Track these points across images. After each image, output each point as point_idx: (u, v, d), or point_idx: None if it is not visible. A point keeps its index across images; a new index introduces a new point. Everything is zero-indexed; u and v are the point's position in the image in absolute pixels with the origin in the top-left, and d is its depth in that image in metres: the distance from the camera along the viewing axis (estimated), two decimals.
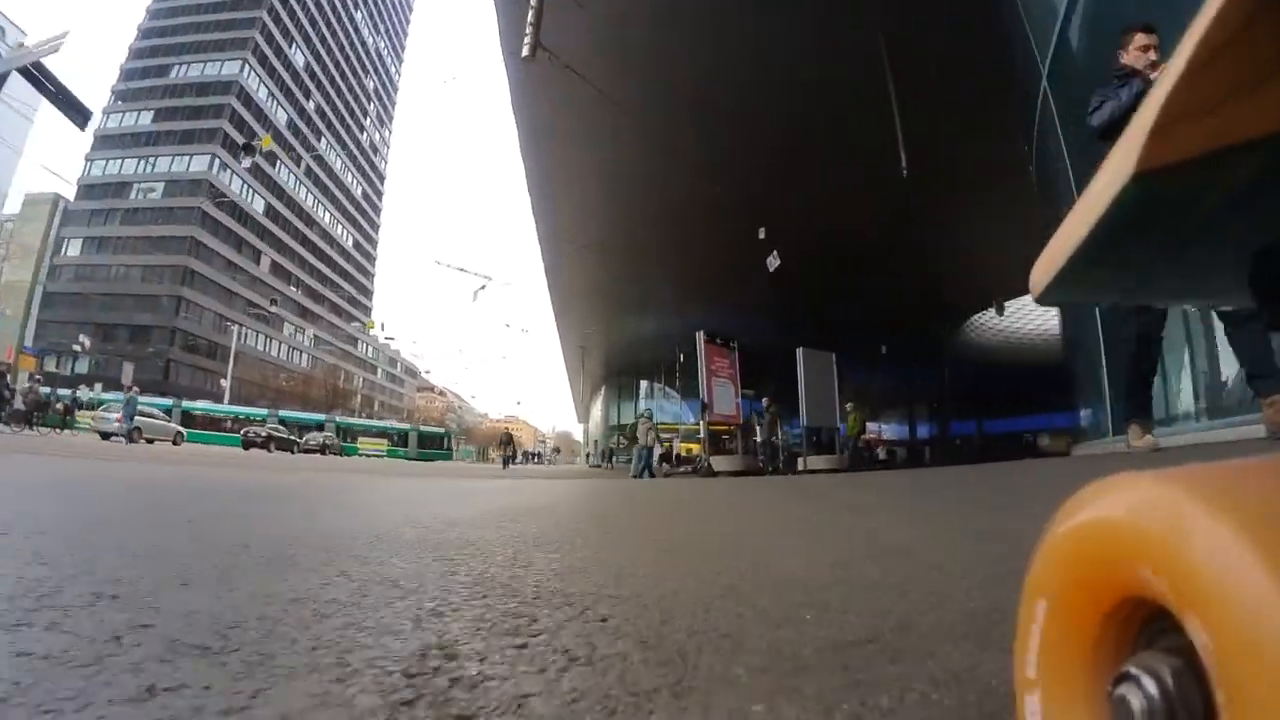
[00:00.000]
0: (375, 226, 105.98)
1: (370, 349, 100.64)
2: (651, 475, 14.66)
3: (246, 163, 61.11)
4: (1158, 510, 0.31)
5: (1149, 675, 0.32)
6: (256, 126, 70.43)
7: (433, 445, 49.53)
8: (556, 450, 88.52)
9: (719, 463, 13.83)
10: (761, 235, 16.91)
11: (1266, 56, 0.28)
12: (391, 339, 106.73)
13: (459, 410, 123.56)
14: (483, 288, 30.79)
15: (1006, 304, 25.38)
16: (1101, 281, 0.56)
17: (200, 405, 41.59)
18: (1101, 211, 0.41)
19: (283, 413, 43.52)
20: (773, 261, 16.93)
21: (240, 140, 68.57)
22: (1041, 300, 0.62)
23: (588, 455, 38.64)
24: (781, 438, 15.97)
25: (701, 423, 14.85)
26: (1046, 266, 0.53)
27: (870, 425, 52.69)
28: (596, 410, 52.47)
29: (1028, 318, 36.38)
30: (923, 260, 23.60)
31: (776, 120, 16.84)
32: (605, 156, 19.13)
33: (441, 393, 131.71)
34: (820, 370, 16.61)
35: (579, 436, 68.84)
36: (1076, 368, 11.71)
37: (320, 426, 42.10)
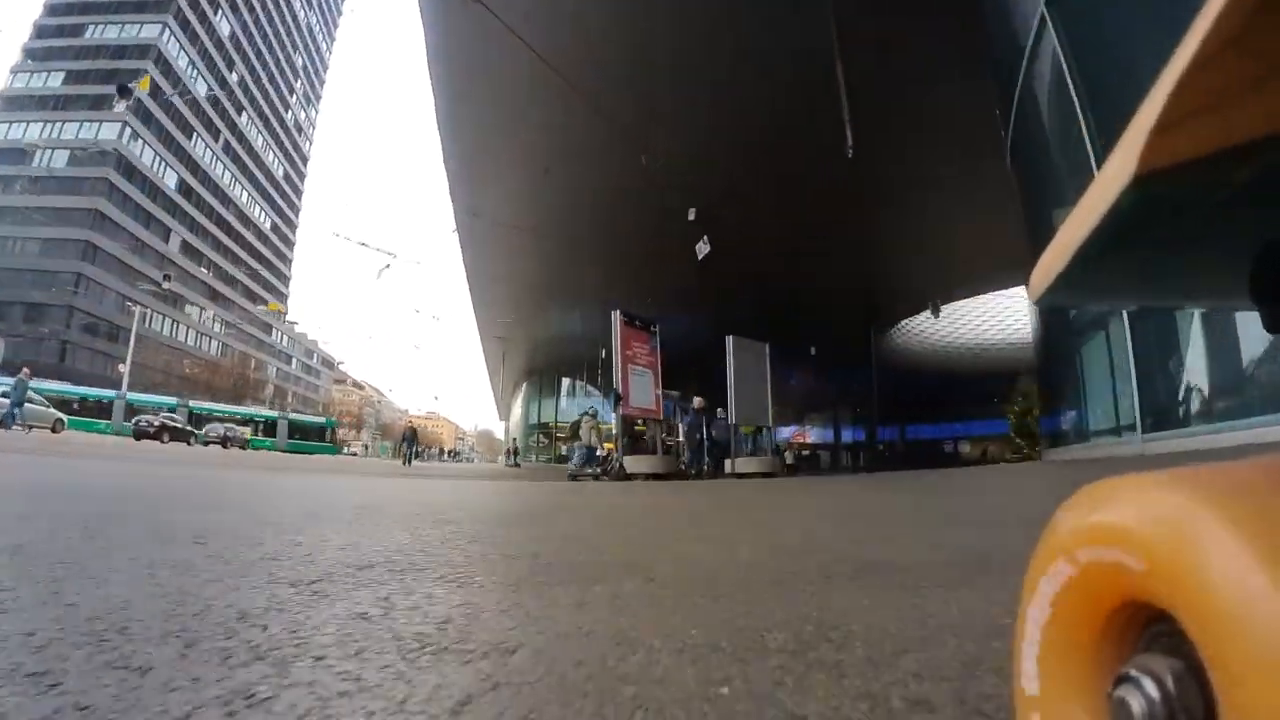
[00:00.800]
0: (296, 210, 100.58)
1: (285, 338, 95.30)
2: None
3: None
4: (1156, 511, 0.32)
5: (1148, 677, 0.32)
6: (173, 94, 65.67)
7: (308, 436, 43.99)
8: (473, 449, 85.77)
9: (634, 464, 12.13)
10: (691, 216, 15.54)
11: (1268, 56, 0.28)
12: (295, 322, 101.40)
13: (378, 405, 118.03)
14: (387, 266, 28.45)
15: (943, 307, 24.93)
16: (1101, 285, 0.56)
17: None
18: (1101, 213, 0.40)
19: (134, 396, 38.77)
20: (702, 248, 15.55)
21: (154, 109, 63.78)
22: (1040, 303, 0.59)
23: (507, 454, 36.35)
24: (711, 436, 14.54)
25: (614, 416, 13.08)
26: (1046, 269, 0.52)
27: (794, 428, 52.97)
28: (517, 408, 50.18)
29: (961, 323, 36.59)
30: (859, 260, 23.00)
31: (712, 97, 15.57)
32: (530, 132, 17.49)
33: (360, 386, 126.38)
34: (752, 362, 15.27)
35: (501, 435, 66.47)
36: (1051, 375, 11.81)
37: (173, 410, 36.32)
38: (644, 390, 13.44)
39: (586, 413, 14.26)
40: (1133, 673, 0.33)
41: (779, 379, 16.30)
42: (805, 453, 50.24)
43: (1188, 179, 0.34)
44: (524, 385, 46.37)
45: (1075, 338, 10.03)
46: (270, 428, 42.03)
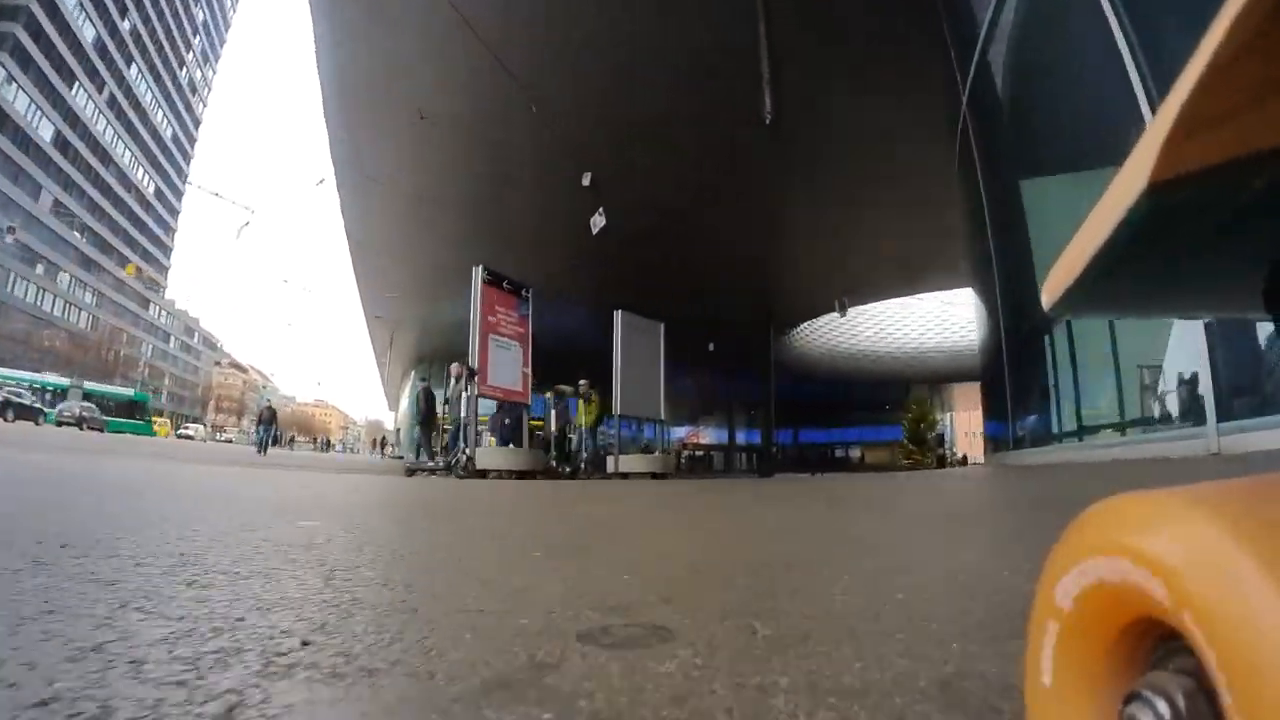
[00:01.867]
0: (183, 176, 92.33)
1: (165, 314, 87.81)
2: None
3: None
4: (1173, 530, 0.32)
5: (1159, 695, 0.32)
6: (57, 38, 58.95)
7: (112, 412, 36.31)
8: (359, 440, 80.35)
9: (488, 458, 9.98)
10: (586, 182, 13.96)
11: None
12: (173, 300, 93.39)
13: (263, 389, 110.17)
14: (246, 224, 25.47)
15: (850, 307, 24.46)
16: (1115, 294, 0.56)
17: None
18: (1115, 223, 0.40)
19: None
20: (598, 221, 13.98)
21: (34, 52, 57.18)
22: (1055, 312, 0.58)
23: (374, 444, 32.50)
24: (585, 432, 12.91)
25: (464, 396, 11.04)
26: (1060, 279, 0.53)
27: (689, 427, 52.45)
28: (405, 398, 47.11)
29: (862, 328, 36.80)
30: (762, 254, 22.00)
31: (615, 63, 14.13)
32: (416, 83, 15.51)
33: (242, 369, 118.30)
34: (644, 343, 13.77)
35: (391, 426, 62.63)
36: (999, 381, 11.92)
37: None
38: (509, 367, 11.57)
39: (424, 379, 12.44)
40: (1144, 691, 0.33)
41: (674, 374, 14.93)
42: (699, 453, 49.92)
43: (1202, 188, 0.34)
44: (413, 374, 43.56)
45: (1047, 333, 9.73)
46: (53, 397, 34.17)
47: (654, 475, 12.26)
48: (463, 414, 10.70)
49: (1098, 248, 0.43)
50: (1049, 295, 0.54)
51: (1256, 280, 0.45)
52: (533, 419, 12.65)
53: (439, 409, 12.59)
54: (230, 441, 55.62)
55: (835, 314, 24.45)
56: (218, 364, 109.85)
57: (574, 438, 13.08)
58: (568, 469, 12.30)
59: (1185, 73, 0.30)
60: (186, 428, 61.93)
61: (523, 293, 12.40)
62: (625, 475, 12.31)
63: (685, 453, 49.33)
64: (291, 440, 68.92)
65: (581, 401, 12.98)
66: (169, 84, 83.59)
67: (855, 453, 56.59)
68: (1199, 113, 0.30)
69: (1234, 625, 0.27)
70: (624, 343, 13.06)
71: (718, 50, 12.89)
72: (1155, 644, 0.36)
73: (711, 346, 27.23)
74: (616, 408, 13.04)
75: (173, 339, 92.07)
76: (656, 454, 14.12)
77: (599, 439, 13.69)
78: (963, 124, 12.56)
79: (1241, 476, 0.34)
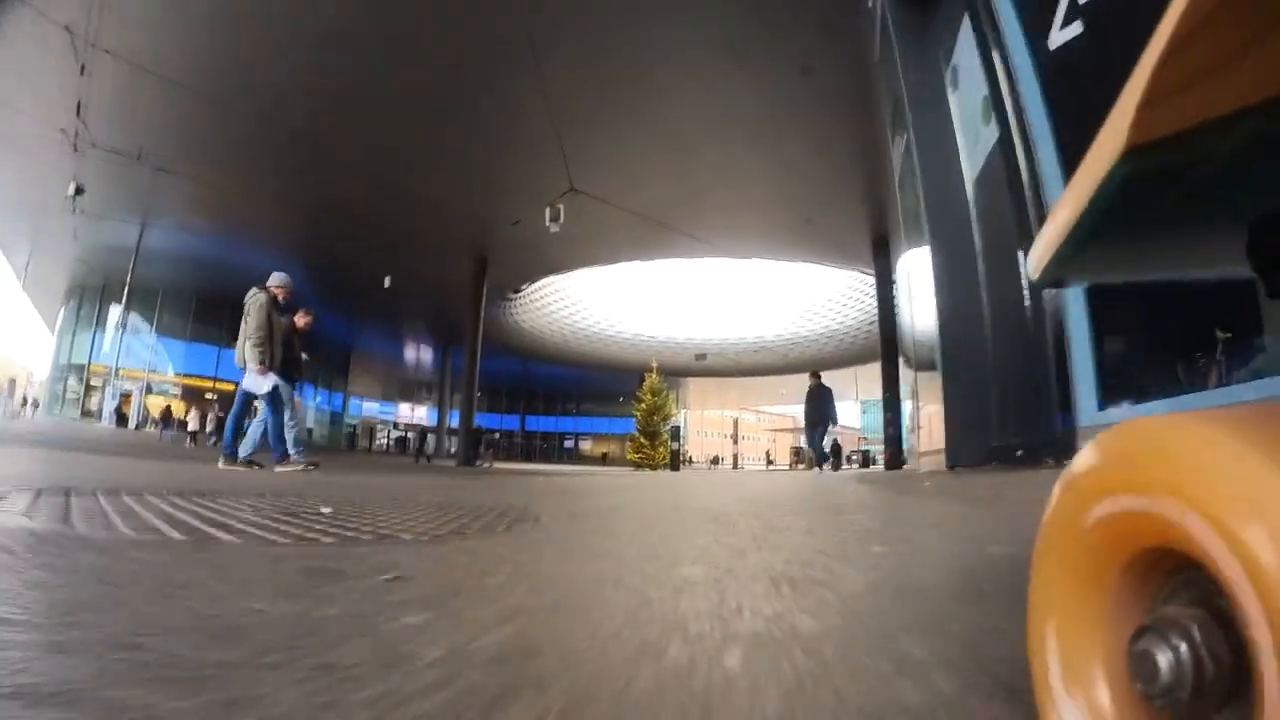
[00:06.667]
0: None
1: None
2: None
3: None
4: (1196, 452, 0.30)
5: (1173, 628, 0.31)
6: None
7: None
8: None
9: None
10: None
11: (1251, 27, 0.29)
12: None
13: None
14: None
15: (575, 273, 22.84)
16: (1099, 259, 0.55)
17: None
18: (1095, 188, 0.40)
19: None
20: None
21: None
22: (1041, 282, 0.58)
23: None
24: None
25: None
26: (1045, 247, 0.51)
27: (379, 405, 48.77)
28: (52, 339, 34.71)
29: (593, 311, 35.77)
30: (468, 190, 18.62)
31: None
32: None
33: None
34: None
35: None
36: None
37: None
38: None
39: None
40: (1155, 624, 0.32)
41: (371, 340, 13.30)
42: (407, 434, 48.34)
43: (1179, 151, 0.34)
44: (60, 311, 33.38)
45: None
46: None
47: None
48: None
49: (1079, 214, 0.43)
50: (1035, 264, 0.53)
51: (1236, 239, 0.46)
52: None
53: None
54: None
55: (556, 282, 20.73)
56: None
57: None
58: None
59: (1153, 42, 0.31)
60: None
61: None
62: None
63: (397, 434, 47.16)
64: None
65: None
66: None
67: (586, 445, 56.29)
68: (1168, 80, 0.31)
69: (1262, 536, 0.26)
70: None
71: None
72: (1165, 577, 0.34)
73: (388, 282, 21.63)
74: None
75: None
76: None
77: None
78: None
79: (1260, 401, 0.33)
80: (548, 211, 15.41)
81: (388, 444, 47.31)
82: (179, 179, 17.55)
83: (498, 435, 52.28)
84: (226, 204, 19.69)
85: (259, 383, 6.44)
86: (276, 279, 6.92)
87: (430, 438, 37.05)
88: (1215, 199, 0.43)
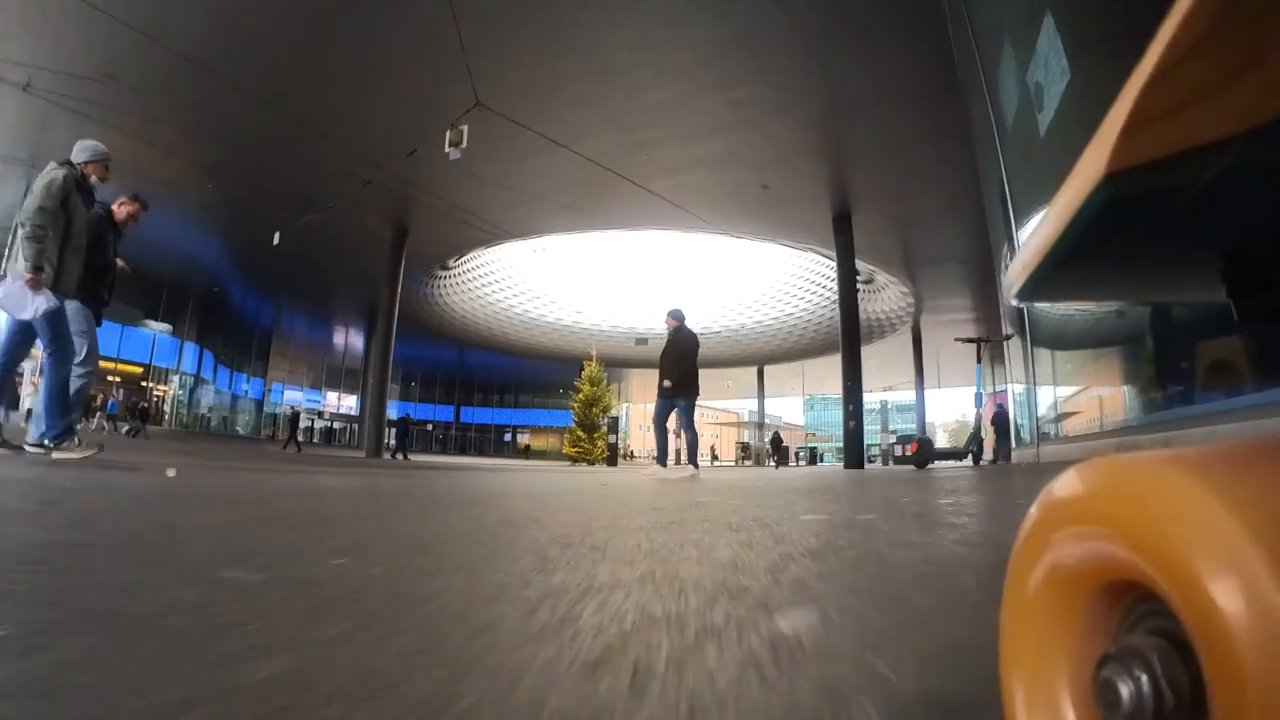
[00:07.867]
0: None
1: None
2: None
3: None
4: (1145, 492, 0.33)
5: (1134, 658, 0.33)
6: None
7: None
8: None
9: None
10: None
11: (1235, 56, 0.29)
12: None
13: None
14: None
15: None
16: (1076, 282, 0.57)
17: None
18: (1074, 212, 0.42)
19: None
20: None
21: None
22: (1021, 301, 0.59)
23: None
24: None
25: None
26: (1023, 267, 0.54)
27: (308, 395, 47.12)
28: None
29: (538, 298, 34.51)
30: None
31: None
32: None
33: None
34: None
35: None
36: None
37: None
38: None
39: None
40: (1118, 653, 0.33)
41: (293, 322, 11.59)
42: (334, 425, 47.17)
43: (1159, 178, 0.36)
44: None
45: None
46: None
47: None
48: None
49: (1057, 237, 0.44)
50: (1013, 284, 0.54)
51: (1212, 266, 0.47)
52: None
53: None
54: None
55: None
56: None
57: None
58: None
59: (1139, 68, 0.32)
60: None
61: None
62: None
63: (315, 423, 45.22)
64: None
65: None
66: None
67: (525, 438, 55.17)
68: (1152, 107, 0.32)
69: (1209, 579, 0.27)
70: None
71: None
72: (1129, 607, 0.36)
73: (276, 238, 18.32)
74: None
75: None
76: None
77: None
78: None
79: (1218, 441, 0.34)
80: (448, 135, 12.61)
81: (311, 434, 44.30)
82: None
83: (431, 426, 49.90)
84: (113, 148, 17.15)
85: (21, 301, 4.07)
86: (85, 150, 4.60)
87: (308, 422, 34.13)
88: (1193, 226, 0.44)
